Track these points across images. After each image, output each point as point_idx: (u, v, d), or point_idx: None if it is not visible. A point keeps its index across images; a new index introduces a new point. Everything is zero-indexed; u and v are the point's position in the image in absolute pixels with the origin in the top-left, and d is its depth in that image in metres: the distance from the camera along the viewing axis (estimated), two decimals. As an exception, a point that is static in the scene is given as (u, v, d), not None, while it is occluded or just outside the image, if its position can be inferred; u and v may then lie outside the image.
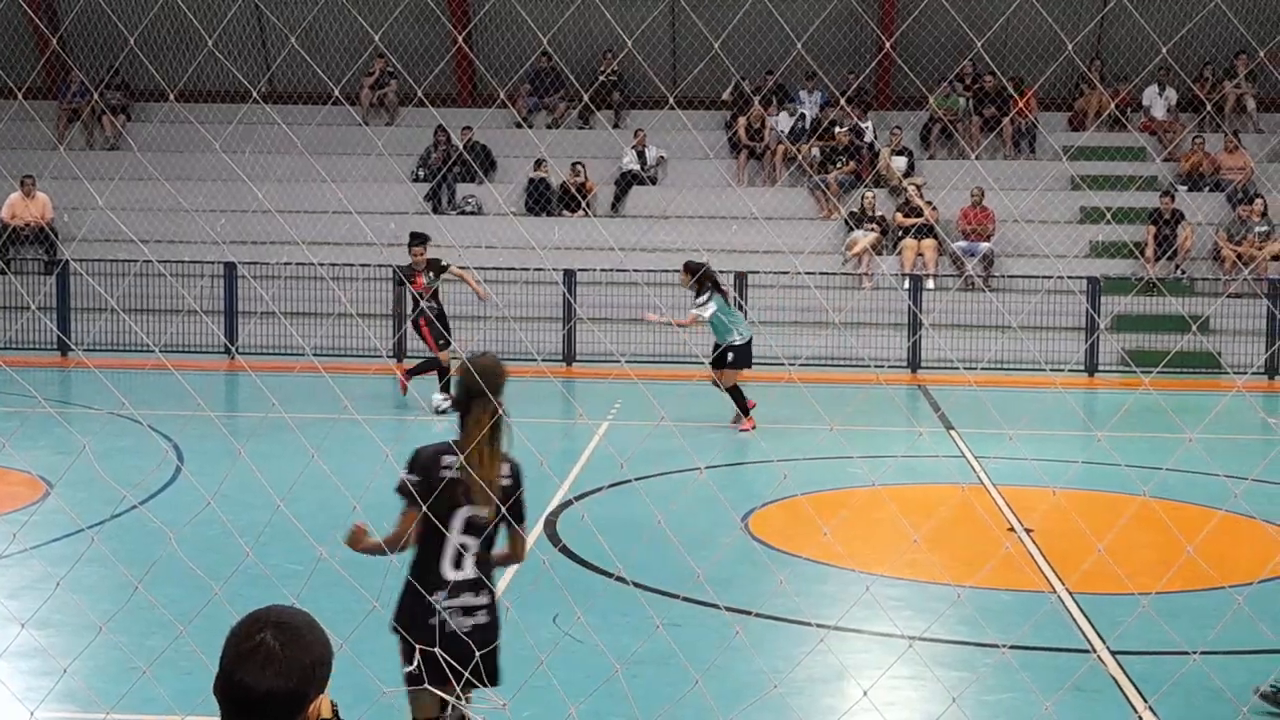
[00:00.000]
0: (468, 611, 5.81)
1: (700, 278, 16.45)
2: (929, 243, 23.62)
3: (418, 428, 16.19)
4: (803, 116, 26.82)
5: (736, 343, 16.36)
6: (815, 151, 25.76)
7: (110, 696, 7.49)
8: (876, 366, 20.89)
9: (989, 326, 21.57)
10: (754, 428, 16.25)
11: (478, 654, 5.73)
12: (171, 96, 23.73)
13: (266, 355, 20.24)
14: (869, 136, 26.25)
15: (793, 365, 18.47)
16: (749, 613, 9.20)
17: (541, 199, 25.26)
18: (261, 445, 14.58)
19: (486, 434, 5.75)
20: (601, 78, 26.74)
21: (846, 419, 16.29)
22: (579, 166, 25.16)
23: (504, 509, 5.90)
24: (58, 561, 10.33)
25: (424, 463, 5.83)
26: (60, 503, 11.93)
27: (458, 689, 5.80)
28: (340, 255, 22.04)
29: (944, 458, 14.58)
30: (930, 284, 23.32)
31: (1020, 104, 25.75)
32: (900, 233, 24.16)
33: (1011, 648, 8.22)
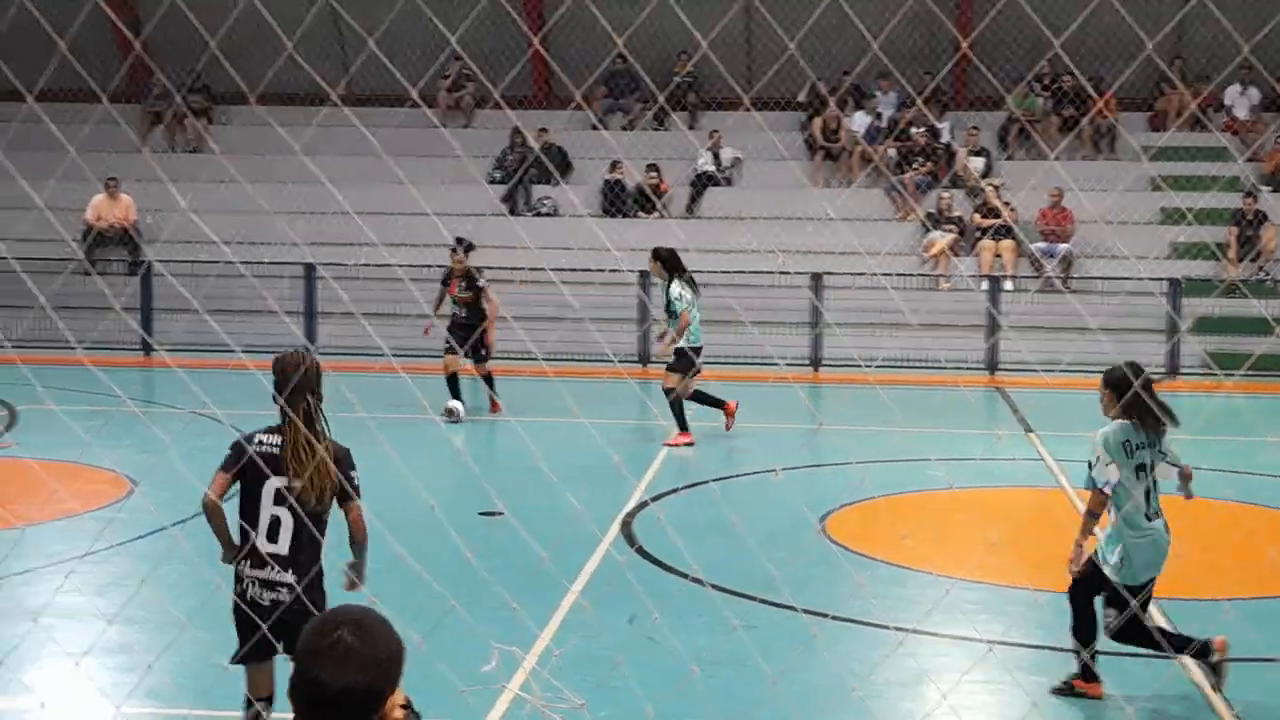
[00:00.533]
0: (269, 585, 6.10)
1: (670, 266, 15.37)
2: (1007, 244, 23.44)
3: (500, 427, 16.27)
4: (879, 116, 26.70)
5: (692, 345, 15.27)
6: (892, 152, 25.63)
7: (192, 693, 7.58)
8: (954, 368, 20.75)
9: (1068, 328, 21.35)
10: (691, 444, 15.27)
11: (263, 626, 5.99)
12: (252, 100, 23.98)
13: (346, 355, 20.40)
14: (946, 137, 26.09)
15: (869, 367, 18.39)
16: (826, 615, 9.17)
17: (617, 200, 25.30)
18: (342, 444, 14.70)
19: (300, 422, 6.13)
20: (677, 79, 26.74)
21: (924, 421, 16.18)
22: (654, 168, 25.18)
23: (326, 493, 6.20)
24: (142, 559, 10.48)
25: (245, 437, 6.29)
26: (144, 501, 12.10)
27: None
28: (418, 256, 22.17)
29: (1022, 460, 14.47)
30: (1008, 285, 23.13)
31: (1100, 104, 25.49)
32: (978, 234, 23.99)
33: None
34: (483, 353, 16.70)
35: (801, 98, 26.93)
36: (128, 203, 24.27)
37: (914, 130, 25.61)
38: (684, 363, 15.21)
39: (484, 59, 25.21)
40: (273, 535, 6.08)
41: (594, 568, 10.35)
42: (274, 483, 6.11)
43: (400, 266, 18.26)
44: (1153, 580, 7.83)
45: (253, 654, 6.15)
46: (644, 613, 8.95)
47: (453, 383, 16.63)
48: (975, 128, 25.82)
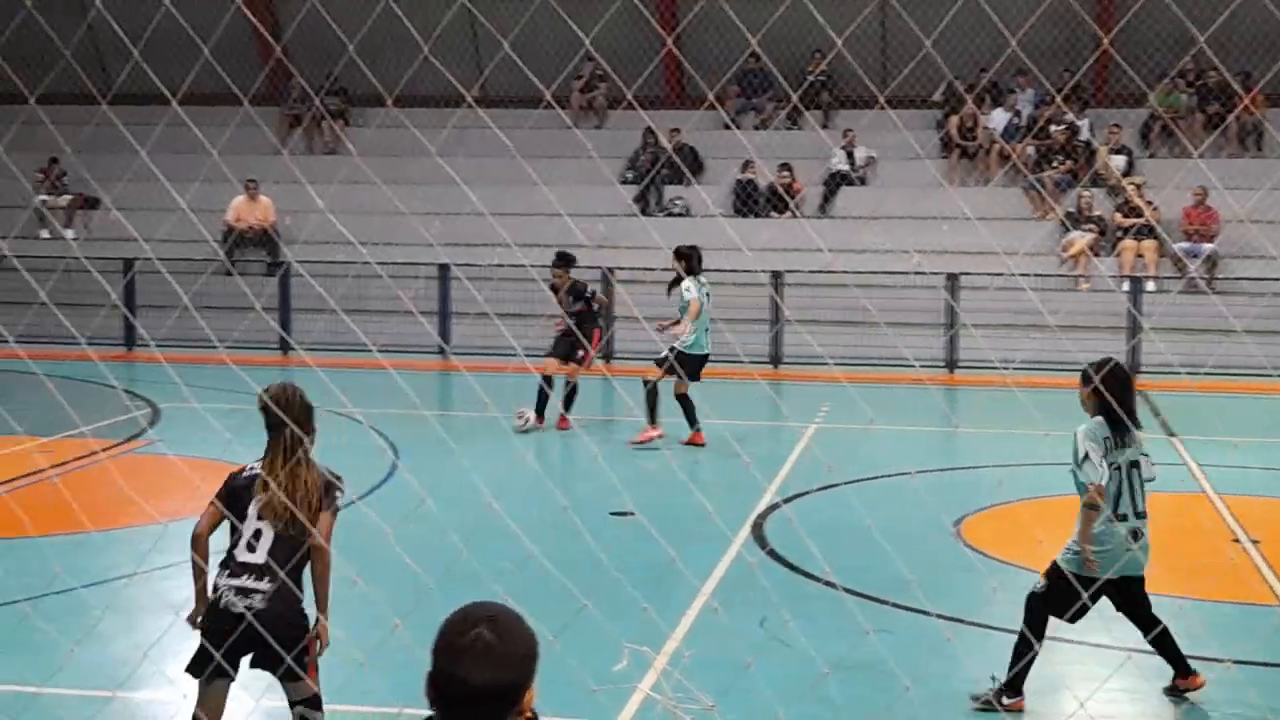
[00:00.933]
0: (243, 592, 6.15)
1: (691, 264, 15.22)
2: (1149, 243, 22.96)
3: (631, 428, 16.28)
4: (1018, 114, 26.31)
5: (696, 353, 15.13)
6: (1030, 150, 25.24)
7: (327, 688, 7.67)
8: (1093, 370, 20.35)
9: (1212, 330, 20.84)
10: (660, 436, 15.20)
11: (236, 633, 6.07)
12: (388, 102, 24.28)
13: (479, 356, 20.57)
14: (1086, 134, 25.62)
15: (1006, 369, 18.12)
16: (960, 620, 9.04)
17: (749, 200, 25.22)
18: (474, 444, 14.81)
19: (283, 455, 6.40)
20: (810, 78, 26.58)
21: (1062, 424, 15.88)
22: (787, 167, 25.06)
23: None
24: (279, 554, 10.63)
25: (234, 473, 6.55)
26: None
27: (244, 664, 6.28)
28: (551, 257, 22.28)
29: (1164, 465, 14.15)
30: (1151, 286, 22.66)
31: (1246, 100, 24.86)
32: (1119, 233, 23.53)
33: (1236, 663, 7.93)
34: (580, 355, 16.26)
35: (937, 95, 26.63)
36: (267, 204, 24.70)
37: (1053, 128, 25.19)
38: (682, 366, 14.90)
39: (617, 59, 25.21)
40: (252, 546, 6.23)
41: (725, 569, 10.30)
42: (260, 500, 6.31)
43: (533, 267, 18.35)
44: (1099, 582, 7.61)
45: (209, 668, 6.21)
46: (775, 615, 8.88)
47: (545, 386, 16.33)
48: (1116, 125, 25.33)
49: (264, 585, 6.14)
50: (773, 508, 12.36)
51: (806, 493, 13.02)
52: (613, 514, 11.63)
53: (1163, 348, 20.14)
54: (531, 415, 15.84)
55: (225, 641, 6.10)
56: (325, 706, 6.66)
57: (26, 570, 10.05)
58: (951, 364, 21.47)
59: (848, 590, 9.20)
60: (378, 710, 7.34)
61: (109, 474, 13.40)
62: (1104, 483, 7.57)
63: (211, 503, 6.45)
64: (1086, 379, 7.88)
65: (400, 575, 9.07)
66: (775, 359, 21.70)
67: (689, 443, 15.22)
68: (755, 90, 27.56)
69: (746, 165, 25.25)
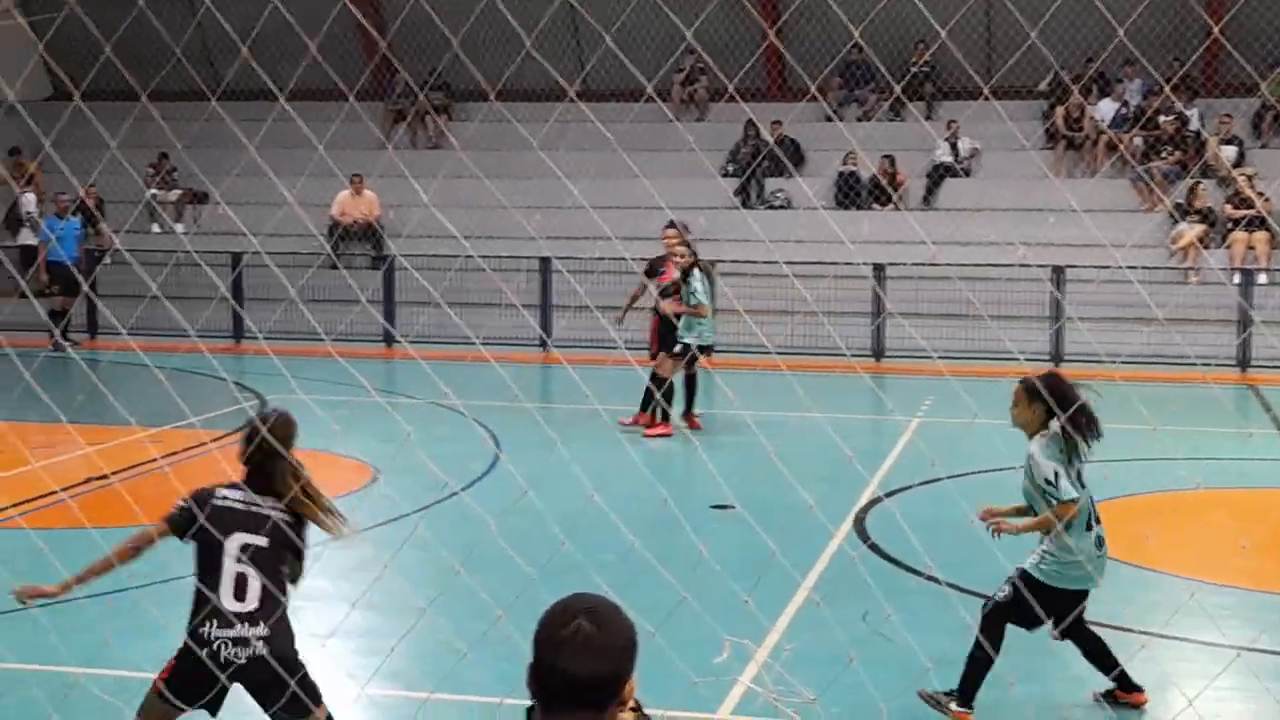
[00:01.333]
0: (242, 643, 5.89)
1: (695, 253, 15.73)
2: (1261, 235, 22.53)
3: (730, 421, 16.26)
4: (1125, 104, 25.92)
5: (701, 343, 15.19)
6: (1138, 141, 24.85)
7: (434, 677, 7.75)
8: (1203, 365, 20.03)
9: (1326, 323, 20.43)
10: (669, 434, 15.38)
11: (224, 679, 5.84)
12: (491, 96, 24.44)
13: (580, 348, 20.62)
14: (1195, 124, 25.18)
15: (1114, 363, 17.87)
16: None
17: (852, 192, 25.08)
18: (575, 436, 14.88)
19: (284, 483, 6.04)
20: (914, 69, 26.36)
21: (1170, 419, 15.65)
22: (890, 159, 24.88)
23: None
24: (383, 545, 10.75)
25: (201, 495, 6.11)
26: (385, 489, 12.43)
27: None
28: (652, 250, 22.31)
29: (1275, 461, 13.90)
30: (1263, 279, 22.24)
31: (1362, 88, 24.30)
32: (1229, 225, 23.11)
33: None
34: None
35: (1043, 86, 26.30)
36: (371, 199, 24.95)
37: (1162, 118, 24.79)
38: (684, 354, 15.17)
39: (718, 52, 25.25)
40: (240, 594, 5.93)
41: (826, 563, 10.27)
42: (238, 539, 5.97)
43: (634, 260, 18.38)
44: (1068, 594, 7.45)
45: (184, 696, 5.97)
46: (877, 609, 8.84)
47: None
48: (1227, 115, 24.87)
49: (261, 630, 5.91)
50: (874, 501, 12.30)
51: (909, 487, 12.94)
52: (713, 507, 11.63)
53: (1274, 342, 19.76)
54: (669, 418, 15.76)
55: (214, 687, 5.91)
56: (430, 694, 6.73)
57: (141, 558, 10.22)
58: (1057, 358, 21.20)
59: (950, 585, 9.12)
60: (480, 700, 7.40)
61: (217, 464, 13.61)
62: (1077, 498, 7.38)
63: (171, 519, 6.14)
64: (1033, 395, 7.54)
65: (503, 566, 9.13)
66: (878, 352, 21.57)
67: (634, 424, 15.40)
68: (858, 81, 27.39)
69: (848, 157, 25.12)
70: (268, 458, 6.06)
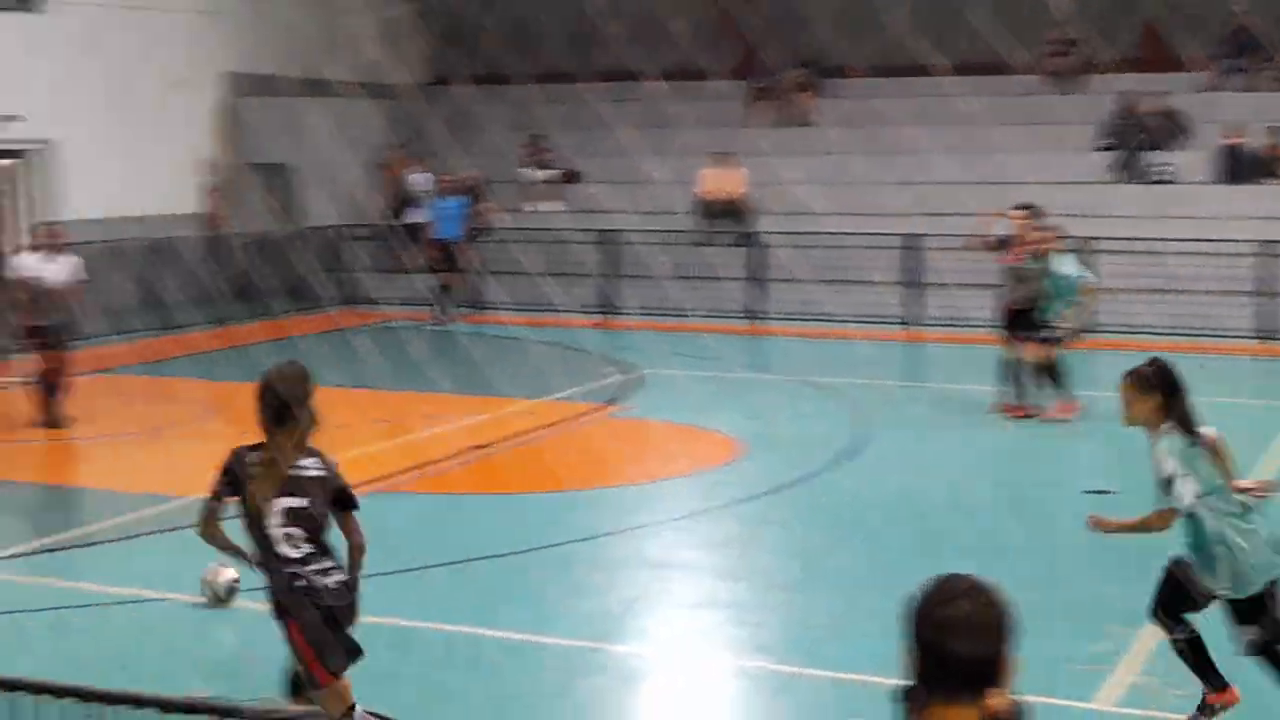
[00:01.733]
0: (324, 573, 5.99)
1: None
2: None
3: (1099, 402, 15.76)
4: None
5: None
6: None
7: (801, 652, 7.81)
8: None
9: None
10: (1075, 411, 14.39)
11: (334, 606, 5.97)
12: (858, 73, 24.31)
13: (949, 327, 20.29)
14: None
15: None
16: None
17: (1237, 166, 23.87)
18: (942, 416, 14.69)
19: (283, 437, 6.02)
20: (1306, 35, 24.88)
21: None
22: (1278, 132, 23.56)
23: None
24: (749, 520, 10.88)
25: (232, 462, 6.10)
26: (753, 464, 12.55)
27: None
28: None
29: None
30: None
31: None
32: None
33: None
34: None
35: None
36: (738, 176, 25.16)
37: None
38: (1055, 339, 14.51)
39: (1091, 22, 24.43)
40: (295, 544, 6.00)
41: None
42: (283, 502, 6.01)
43: (1002, 237, 17.92)
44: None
45: (345, 659, 6.08)
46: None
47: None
48: None
49: (330, 561, 6.07)
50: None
51: (1296, 476, 12.25)
52: (1086, 492, 11.29)
53: None
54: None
55: (339, 631, 6.07)
56: (799, 669, 6.73)
57: (520, 524, 10.66)
58: None
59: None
60: (841, 676, 7.41)
61: (591, 437, 14.04)
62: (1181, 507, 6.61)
63: (211, 501, 6.16)
64: (1148, 386, 6.75)
65: (869, 544, 9.15)
66: (1262, 335, 20.47)
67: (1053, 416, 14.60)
68: (1243, 50, 26.03)
69: (1234, 130, 23.91)
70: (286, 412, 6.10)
